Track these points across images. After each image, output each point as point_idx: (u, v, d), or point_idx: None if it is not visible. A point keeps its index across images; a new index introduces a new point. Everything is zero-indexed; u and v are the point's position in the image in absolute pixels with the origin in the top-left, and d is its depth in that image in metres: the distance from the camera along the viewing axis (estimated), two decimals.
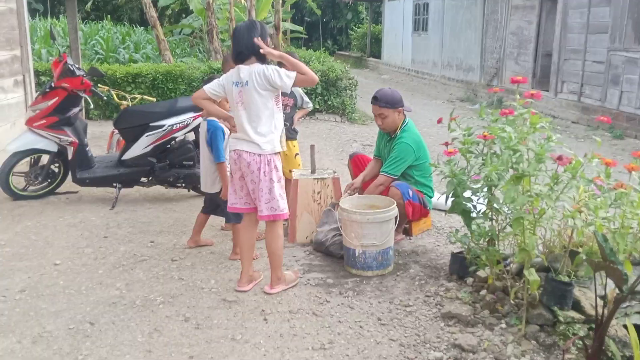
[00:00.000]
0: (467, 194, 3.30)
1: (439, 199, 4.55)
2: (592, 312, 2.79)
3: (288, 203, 3.52)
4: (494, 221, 3.21)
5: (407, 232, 4.42)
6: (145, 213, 4.97)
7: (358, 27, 24.95)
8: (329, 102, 10.00)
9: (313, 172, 4.40)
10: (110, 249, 4.14)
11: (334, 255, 3.99)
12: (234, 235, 3.95)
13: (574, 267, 2.92)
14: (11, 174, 5.12)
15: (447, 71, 15.64)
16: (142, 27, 18.75)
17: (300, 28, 18.86)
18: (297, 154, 4.72)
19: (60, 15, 20.63)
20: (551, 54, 10.77)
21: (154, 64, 10.35)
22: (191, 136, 5.43)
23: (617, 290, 2.54)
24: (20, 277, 3.66)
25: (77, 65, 5.33)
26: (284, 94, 4.03)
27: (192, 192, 5.43)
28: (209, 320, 3.13)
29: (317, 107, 9.82)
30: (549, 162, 2.80)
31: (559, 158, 2.68)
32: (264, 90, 3.20)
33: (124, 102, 6.52)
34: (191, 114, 5.09)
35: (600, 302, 2.66)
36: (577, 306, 2.91)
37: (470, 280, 3.48)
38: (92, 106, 7.19)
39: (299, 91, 4.73)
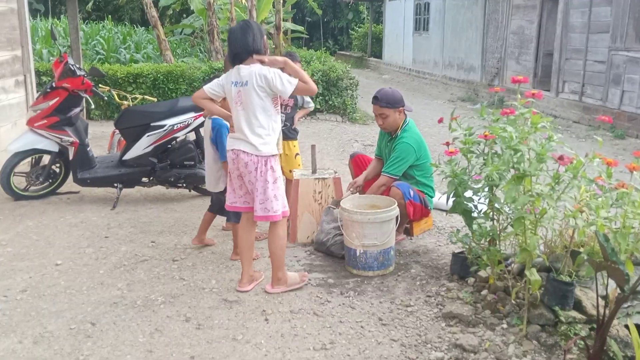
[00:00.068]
0: (468, 193, 3.30)
1: (440, 198, 4.55)
2: (594, 312, 2.78)
3: (289, 203, 3.51)
4: (495, 221, 3.21)
5: (408, 232, 4.42)
6: (147, 213, 4.98)
7: (359, 27, 24.94)
8: (330, 102, 10.00)
9: (314, 172, 4.40)
10: (112, 249, 4.14)
11: (335, 255, 3.98)
12: (233, 235, 3.95)
13: (575, 267, 2.91)
14: (12, 174, 5.13)
15: (448, 71, 15.63)
16: (143, 27, 18.76)
17: (301, 28, 18.86)
18: (297, 154, 4.71)
19: (61, 16, 20.66)
20: (552, 53, 10.76)
21: (155, 64, 10.35)
22: (192, 136, 5.44)
23: (618, 290, 2.54)
24: (21, 277, 3.66)
25: (78, 66, 5.33)
26: None
27: (193, 192, 5.43)
28: (210, 320, 3.13)
29: (318, 107, 9.81)
30: (550, 162, 2.79)
31: (560, 158, 2.67)
32: (262, 92, 3.19)
33: (125, 102, 6.53)
34: (192, 114, 5.10)
35: (601, 302, 2.66)
36: (578, 306, 2.90)
37: (471, 280, 3.48)
38: (93, 106, 7.20)
39: None
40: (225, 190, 3.86)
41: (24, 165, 5.33)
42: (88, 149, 5.28)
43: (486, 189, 3.13)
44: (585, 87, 9.85)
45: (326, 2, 25.60)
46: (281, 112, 4.40)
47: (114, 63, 12.33)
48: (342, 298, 3.41)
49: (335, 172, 4.45)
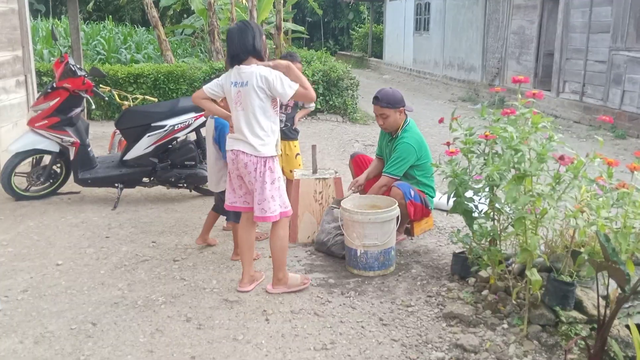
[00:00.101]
0: (469, 194, 3.30)
1: (441, 198, 4.54)
2: (595, 312, 2.78)
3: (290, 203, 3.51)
4: (495, 221, 3.21)
5: (409, 232, 4.42)
6: (147, 213, 4.98)
7: (359, 27, 24.95)
8: (331, 102, 10.00)
9: (314, 172, 4.40)
10: (112, 249, 4.14)
11: (335, 255, 3.99)
12: (234, 235, 3.95)
13: (576, 267, 2.91)
14: (13, 175, 5.14)
15: (448, 71, 15.63)
16: (144, 28, 18.77)
17: (301, 28, 18.86)
18: (298, 154, 4.71)
19: (62, 16, 20.67)
20: (553, 53, 10.75)
21: (156, 64, 10.36)
22: (193, 136, 5.44)
23: (619, 291, 2.53)
24: (22, 277, 3.66)
25: (78, 66, 5.34)
26: None
27: (193, 193, 5.43)
28: (210, 320, 3.14)
29: (319, 107, 9.82)
30: (550, 162, 2.79)
31: (561, 158, 2.67)
32: (262, 93, 3.18)
33: (126, 103, 6.53)
34: (193, 114, 5.10)
35: (602, 302, 2.66)
36: (579, 306, 2.90)
37: (472, 280, 3.48)
38: (93, 106, 7.20)
39: None
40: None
41: (25, 166, 5.34)
42: (89, 149, 5.29)
43: (487, 189, 3.13)
44: (586, 87, 9.84)
45: (327, 2, 25.61)
46: (282, 112, 4.42)
47: (115, 63, 12.34)
48: (342, 298, 3.41)
49: (336, 172, 4.45)
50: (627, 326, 2.69)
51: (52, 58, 12.51)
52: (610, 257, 2.42)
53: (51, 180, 5.36)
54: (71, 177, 5.30)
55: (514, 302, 3.09)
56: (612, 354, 2.59)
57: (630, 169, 2.63)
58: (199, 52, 15.12)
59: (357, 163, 4.64)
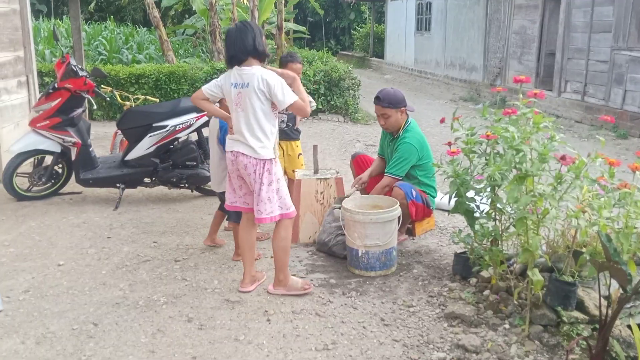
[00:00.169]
0: (470, 194, 3.30)
1: (442, 199, 4.54)
2: (596, 313, 2.78)
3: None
4: (497, 221, 3.21)
5: (410, 232, 4.41)
6: (149, 213, 4.98)
7: (361, 27, 24.95)
8: (332, 102, 10.00)
9: (316, 172, 4.40)
10: (114, 250, 4.15)
11: (337, 255, 3.98)
12: (234, 235, 3.95)
13: (577, 268, 2.91)
14: (15, 175, 5.14)
15: (450, 71, 15.62)
16: (145, 28, 18.79)
17: (303, 28, 18.85)
18: (300, 154, 4.71)
19: (64, 16, 20.71)
20: (554, 53, 10.74)
21: (157, 65, 10.37)
22: (194, 136, 5.44)
23: (621, 291, 2.53)
24: (24, 278, 3.67)
25: (80, 66, 5.34)
26: None
27: (195, 193, 5.44)
28: (212, 320, 3.14)
29: (320, 107, 9.82)
30: (552, 162, 2.79)
31: (563, 158, 2.67)
32: (262, 95, 3.17)
33: (127, 103, 6.54)
34: (194, 114, 5.10)
35: (604, 303, 2.65)
36: (580, 306, 2.90)
37: (473, 280, 3.47)
38: (95, 107, 7.20)
39: None
40: None
41: (27, 166, 5.34)
42: (90, 149, 5.29)
43: (488, 189, 3.12)
44: (587, 87, 9.83)
45: (328, 2, 25.62)
46: (283, 113, 4.41)
47: (116, 64, 12.36)
48: (344, 298, 3.41)
49: (337, 172, 4.45)
50: (629, 326, 2.69)
51: (53, 58, 12.53)
52: (612, 257, 2.42)
53: (53, 181, 5.36)
54: (73, 177, 5.31)
55: (515, 302, 3.09)
56: (613, 354, 2.59)
57: (632, 168, 2.63)
58: (201, 53, 15.12)
59: (359, 163, 4.64)
